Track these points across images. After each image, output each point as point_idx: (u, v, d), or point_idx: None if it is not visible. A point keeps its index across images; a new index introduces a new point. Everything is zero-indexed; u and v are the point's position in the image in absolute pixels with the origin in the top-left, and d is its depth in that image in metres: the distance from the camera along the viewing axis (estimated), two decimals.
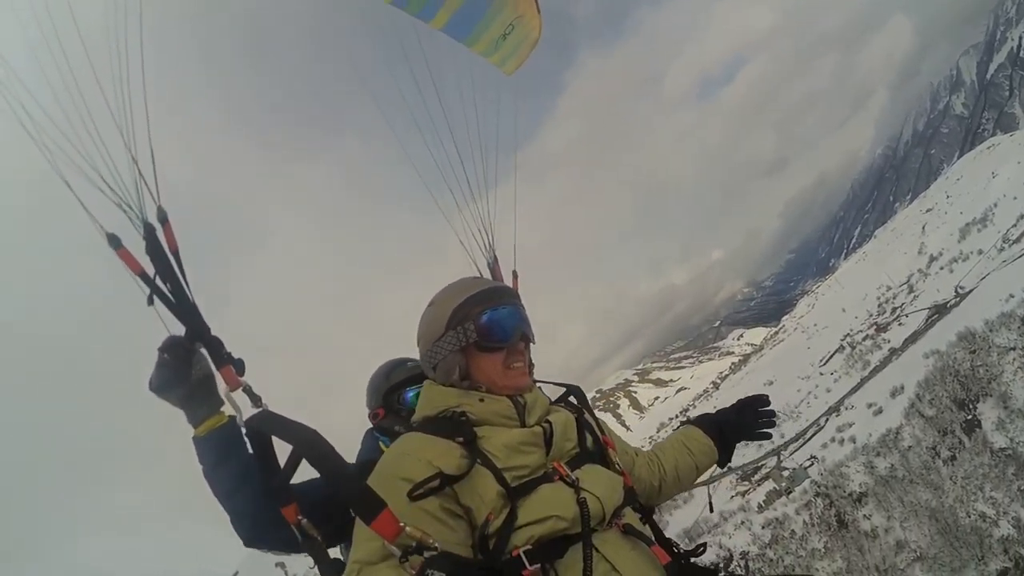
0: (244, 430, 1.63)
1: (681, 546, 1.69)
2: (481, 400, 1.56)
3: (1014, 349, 12.35)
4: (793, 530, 12.69)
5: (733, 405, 2.23)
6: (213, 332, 1.85)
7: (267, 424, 1.56)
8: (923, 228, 64.89)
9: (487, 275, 2.71)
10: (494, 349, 1.60)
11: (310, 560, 1.73)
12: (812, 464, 18.43)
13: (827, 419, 24.56)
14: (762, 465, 24.40)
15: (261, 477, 1.61)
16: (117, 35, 1.85)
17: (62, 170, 1.77)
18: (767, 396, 2.22)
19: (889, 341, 32.93)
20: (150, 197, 1.88)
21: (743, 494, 21.64)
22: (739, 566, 12.62)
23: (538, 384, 1.77)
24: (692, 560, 1.65)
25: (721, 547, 14.30)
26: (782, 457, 23.29)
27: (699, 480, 2.20)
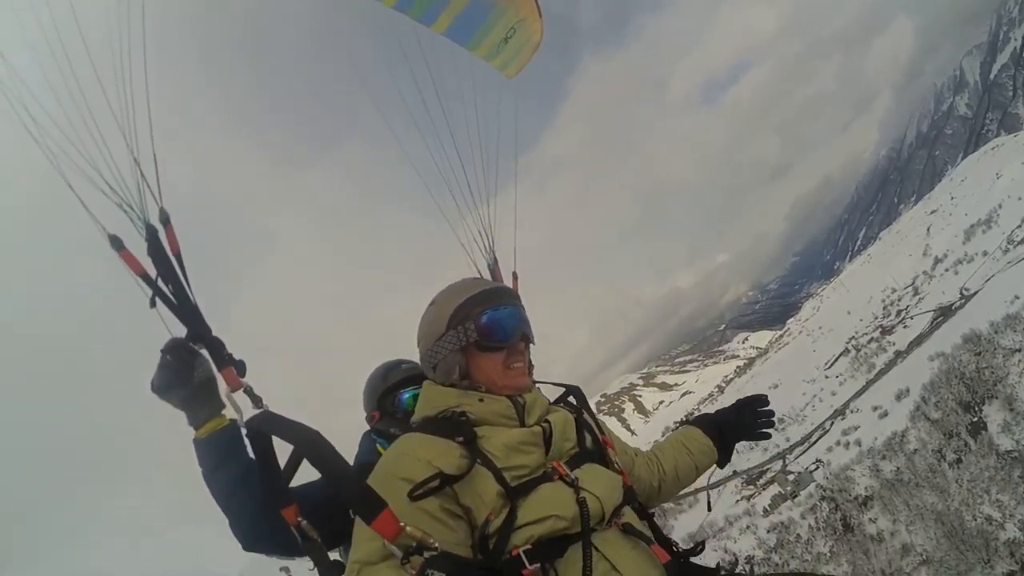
0: (245, 431, 1.64)
1: (680, 545, 1.69)
2: (481, 400, 1.56)
3: (1019, 351, 12.28)
4: (799, 534, 12.64)
5: (732, 405, 2.23)
6: (215, 334, 1.86)
7: (268, 425, 1.57)
8: (928, 230, 64.64)
9: (487, 276, 2.72)
10: (494, 349, 1.61)
11: (310, 563, 1.74)
12: (817, 468, 18.35)
13: (832, 423, 24.45)
14: (767, 469, 24.33)
15: (261, 478, 1.62)
16: (120, 37, 1.87)
17: (65, 172, 1.79)
18: (766, 396, 2.22)
19: (894, 344, 32.77)
20: (152, 199, 1.90)
21: (748, 498, 21.56)
22: (744, 569, 12.56)
23: (537, 384, 1.78)
24: (691, 559, 1.66)
25: (726, 551, 14.24)
26: (787, 461, 23.22)
27: (700, 480, 2.21)
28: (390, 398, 2.40)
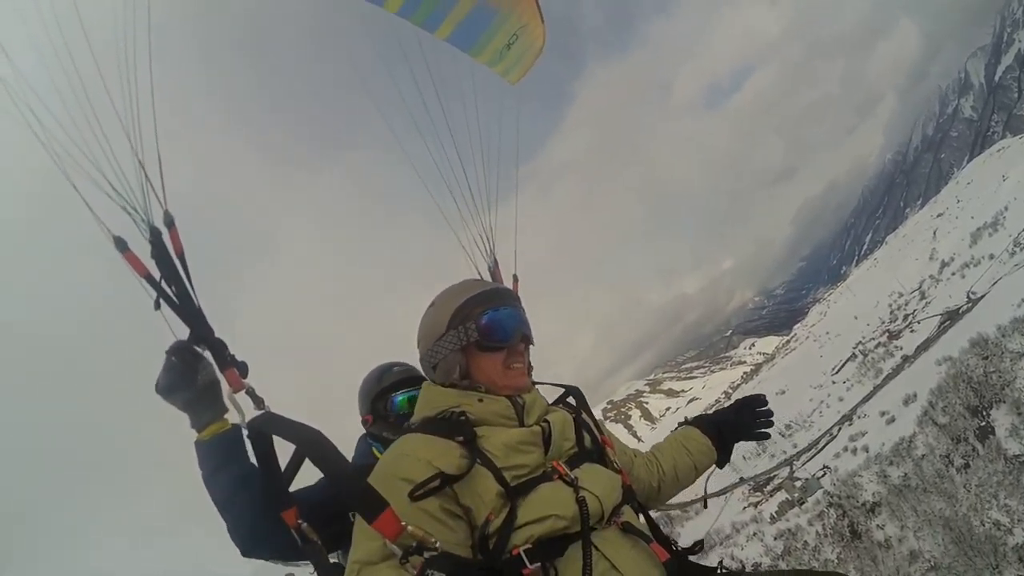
0: (246, 432, 1.66)
1: (679, 544, 1.70)
2: (480, 400, 1.57)
3: None
4: (806, 541, 12.52)
5: (731, 405, 2.24)
6: (218, 336, 1.88)
7: (270, 425, 1.59)
8: (934, 233, 64.32)
9: (488, 279, 2.74)
10: (494, 349, 1.62)
11: (310, 567, 1.74)
12: (825, 474, 18.20)
13: (840, 428, 24.26)
14: (774, 475, 24.16)
15: (262, 480, 1.63)
16: (124, 39, 1.89)
17: (70, 173, 1.82)
18: (764, 396, 2.23)
19: (901, 348, 32.55)
20: (157, 201, 1.91)
21: (755, 505, 21.40)
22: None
23: (536, 385, 1.79)
24: (690, 558, 1.66)
25: (733, 558, 14.13)
26: (794, 467, 23.05)
27: (699, 481, 2.20)
28: (382, 401, 2.41)
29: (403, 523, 1.28)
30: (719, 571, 1.64)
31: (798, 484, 18.74)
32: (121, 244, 1.86)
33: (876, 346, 39.37)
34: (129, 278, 1.84)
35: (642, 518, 1.73)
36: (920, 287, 49.39)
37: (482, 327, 1.61)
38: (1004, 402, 10.98)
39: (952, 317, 27.82)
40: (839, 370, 42.31)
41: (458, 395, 1.59)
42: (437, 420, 1.55)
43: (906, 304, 48.95)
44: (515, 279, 2.81)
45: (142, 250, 1.88)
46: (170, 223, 1.95)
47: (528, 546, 1.34)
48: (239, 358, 1.89)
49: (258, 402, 1.84)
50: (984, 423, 10.93)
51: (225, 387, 1.84)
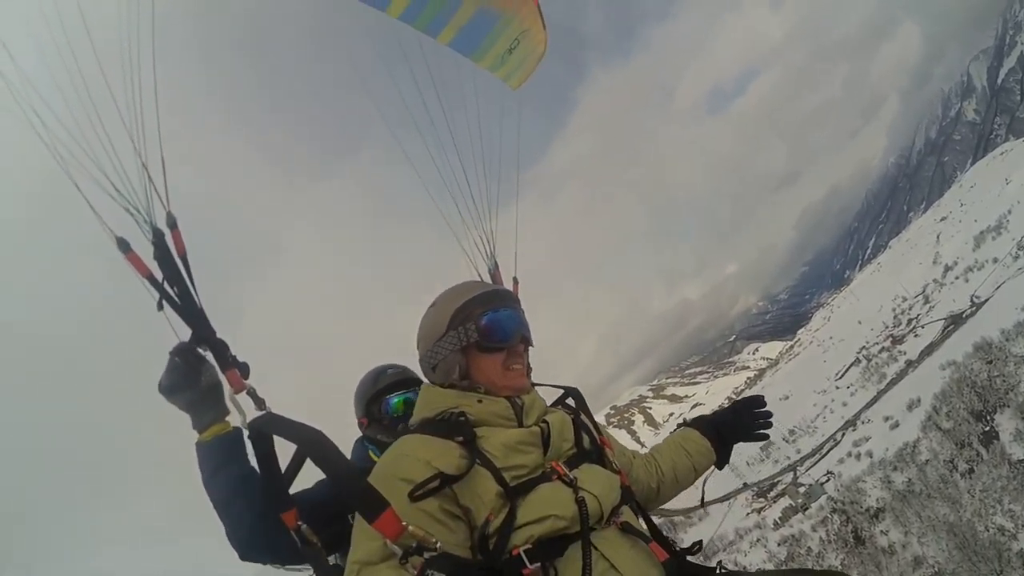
0: (247, 432, 1.65)
1: (678, 544, 1.69)
2: (479, 401, 1.56)
3: None
4: (809, 547, 12.49)
5: (730, 406, 2.23)
6: (223, 338, 1.88)
7: (272, 425, 1.60)
8: (937, 237, 64.20)
9: (488, 281, 2.74)
10: (494, 350, 1.61)
11: (308, 570, 1.74)
12: (829, 480, 18.15)
13: (843, 433, 24.20)
14: (778, 481, 24.07)
15: (262, 480, 1.64)
16: (128, 40, 1.90)
17: (73, 174, 1.82)
18: (763, 396, 2.22)
19: (905, 353, 32.48)
20: (160, 202, 1.91)
21: (759, 511, 21.31)
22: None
23: (536, 387, 1.80)
24: (688, 558, 1.65)
25: (736, 564, 14.07)
26: (798, 473, 22.96)
27: (697, 482, 2.19)
28: (377, 404, 2.40)
29: (404, 523, 1.27)
30: (718, 571, 1.64)
31: (802, 490, 18.69)
32: (124, 245, 1.86)
33: (880, 351, 39.27)
34: (130, 279, 1.84)
35: (641, 519, 1.74)
36: (924, 291, 49.28)
37: (482, 328, 1.60)
38: (1008, 406, 10.95)
39: (956, 321, 27.75)
40: (843, 375, 42.23)
41: (457, 396, 1.58)
42: (436, 421, 1.54)
43: (910, 308, 48.84)
44: (515, 281, 2.81)
45: (145, 251, 1.87)
46: (172, 224, 1.94)
47: (528, 546, 1.33)
48: (241, 359, 1.89)
49: (259, 403, 1.83)
50: (988, 428, 10.89)
51: (227, 388, 1.84)
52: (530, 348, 1.75)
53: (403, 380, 2.45)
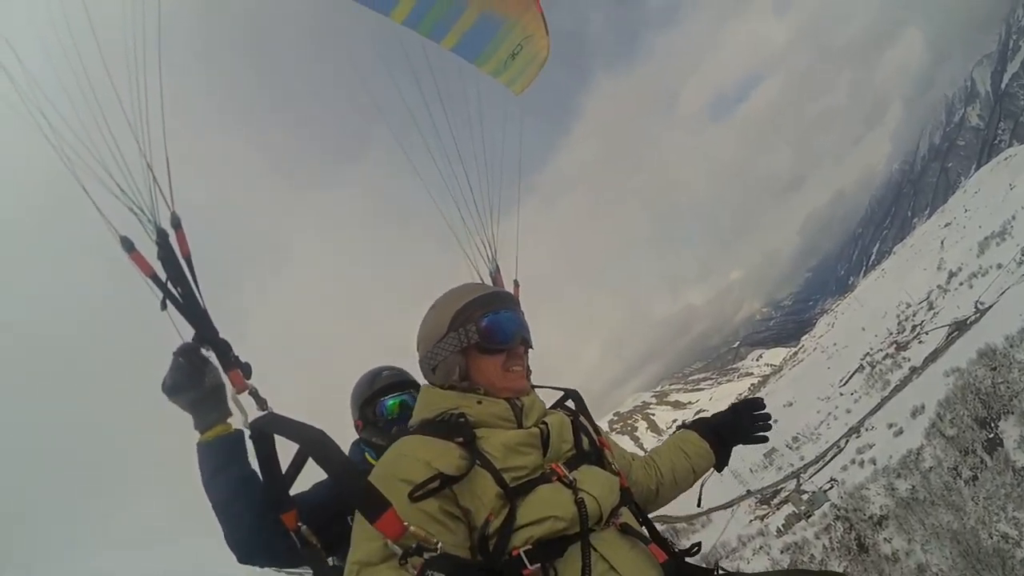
0: (249, 432, 1.66)
1: (677, 545, 1.69)
2: (479, 402, 1.56)
3: None
4: (812, 555, 12.39)
5: (728, 408, 2.22)
6: (229, 342, 1.89)
7: (273, 425, 1.60)
8: (942, 243, 64.02)
9: (489, 283, 2.76)
10: (495, 351, 1.62)
11: (306, 573, 1.74)
12: (832, 487, 18.06)
13: (847, 440, 24.08)
14: (781, 488, 23.96)
15: (264, 480, 1.65)
16: (134, 41, 1.90)
17: (78, 173, 1.82)
18: (762, 399, 2.21)
19: (909, 360, 32.35)
20: (164, 203, 1.91)
21: (762, 518, 21.21)
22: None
23: (536, 389, 1.80)
24: (687, 559, 1.65)
25: (739, 572, 13.99)
26: (802, 480, 22.87)
27: (696, 485, 2.19)
28: (371, 406, 2.39)
29: (405, 523, 1.27)
30: (717, 572, 1.63)
31: (805, 497, 18.59)
32: (128, 244, 1.86)
33: (884, 357, 39.13)
34: (131, 280, 1.84)
35: (640, 521, 1.73)
36: (928, 297, 49.10)
37: (483, 329, 1.60)
38: (1012, 413, 10.89)
39: (960, 328, 27.65)
40: (846, 382, 42.07)
41: (457, 397, 1.58)
42: (436, 422, 1.54)
43: (914, 315, 48.64)
44: (516, 284, 2.82)
45: (149, 251, 1.87)
46: (177, 224, 1.94)
47: (528, 547, 1.33)
48: (244, 360, 1.89)
49: (262, 403, 1.82)
50: (992, 435, 10.83)
51: (229, 387, 1.84)
52: (530, 350, 1.75)
53: (399, 382, 2.44)
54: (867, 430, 22.68)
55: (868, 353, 45.88)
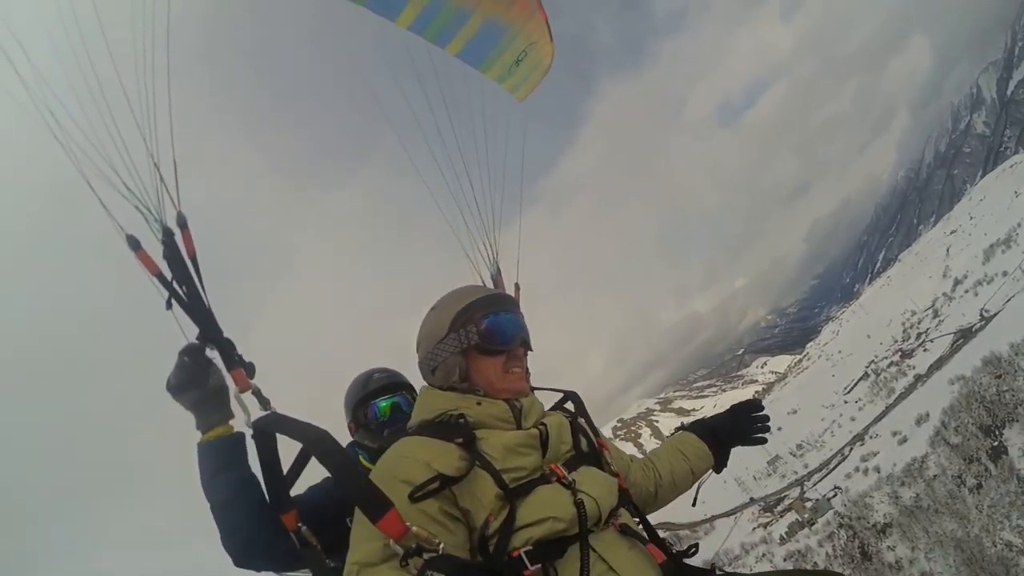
0: (251, 431, 1.68)
1: (675, 546, 1.70)
2: (478, 403, 1.57)
3: None
4: (816, 562, 12.35)
5: (727, 410, 2.24)
6: (232, 341, 1.91)
7: (276, 425, 1.62)
8: (947, 251, 63.77)
9: (490, 286, 2.78)
10: (495, 352, 1.63)
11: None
12: (836, 495, 17.97)
13: (851, 448, 23.95)
14: (785, 496, 23.85)
15: (265, 480, 1.66)
16: (143, 44, 1.92)
17: (85, 172, 1.83)
18: (760, 400, 2.23)
19: (914, 367, 32.20)
20: (171, 203, 1.92)
21: (765, 525, 21.10)
22: None
23: (536, 390, 1.82)
24: (685, 560, 1.66)
25: (737, 573, 13.93)
26: (805, 487, 22.75)
27: (692, 491, 2.19)
28: (363, 408, 2.39)
29: (407, 524, 1.27)
30: (715, 572, 1.64)
31: (808, 505, 18.50)
32: (134, 243, 1.87)
33: (889, 365, 38.96)
34: (136, 281, 1.86)
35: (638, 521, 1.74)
36: (933, 305, 48.87)
37: (483, 331, 1.61)
38: (1017, 421, 10.84)
39: (965, 335, 27.50)
40: (851, 389, 41.88)
41: (457, 398, 1.59)
42: (436, 423, 1.55)
43: (919, 323, 48.43)
44: (517, 287, 2.85)
45: (155, 251, 1.88)
46: (183, 224, 1.95)
47: (528, 548, 1.34)
48: (247, 360, 1.89)
49: (264, 403, 1.83)
50: (997, 443, 10.77)
51: (232, 387, 1.84)
52: (529, 353, 1.77)
53: (391, 384, 2.44)
54: (871, 438, 22.56)
55: (873, 361, 45.70)
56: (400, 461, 1.42)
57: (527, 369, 1.75)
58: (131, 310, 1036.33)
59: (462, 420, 1.53)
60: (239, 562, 1.80)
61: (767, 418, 2.20)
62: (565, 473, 1.52)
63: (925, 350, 34.51)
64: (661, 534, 1.79)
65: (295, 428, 1.55)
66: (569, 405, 1.92)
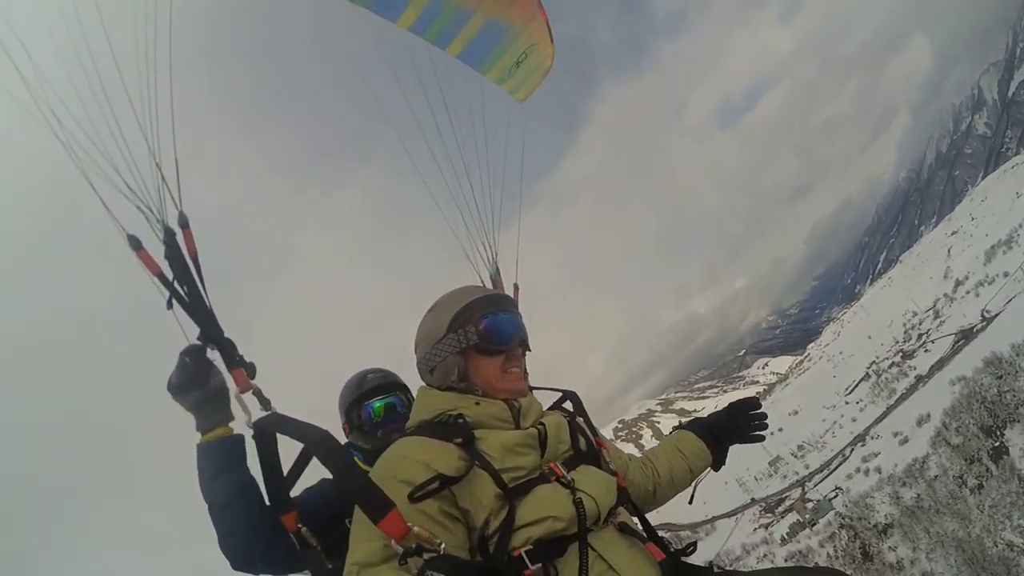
0: (252, 431, 1.68)
1: (674, 544, 1.70)
2: (477, 403, 1.57)
3: None
4: (817, 563, 12.31)
5: (724, 408, 2.23)
6: (234, 341, 1.91)
7: (277, 425, 1.63)
8: (948, 251, 63.71)
9: (489, 286, 2.79)
10: (494, 352, 1.63)
11: None
12: (837, 495, 17.94)
13: (852, 449, 23.92)
14: (786, 497, 23.83)
15: (265, 480, 1.66)
16: (145, 44, 1.92)
17: (87, 171, 1.83)
18: (758, 399, 2.23)
19: (915, 368, 32.16)
20: (172, 203, 1.92)
21: (766, 526, 21.08)
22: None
23: (534, 390, 1.82)
24: (684, 558, 1.67)
25: (735, 571, 13.92)
26: (806, 488, 22.73)
27: (692, 487, 2.20)
28: (357, 409, 2.38)
29: (409, 524, 1.27)
30: (714, 571, 1.64)
31: (810, 505, 18.48)
32: (135, 242, 1.86)
33: (890, 366, 38.92)
34: (137, 282, 1.86)
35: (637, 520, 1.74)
36: (934, 306, 48.83)
37: (482, 331, 1.61)
38: (1019, 421, 10.84)
39: (966, 336, 27.48)
40: (852, 390, 41.84)
41: (456, 398, 1.59)
42: (435, 423, 1.54)
43: (920, 323, 48.40)
44: (516, 288, 2.86)
45: (156, 251, 1.88)
46: (185, 224, 1.94)
47: (528, 547, 1.34)
48: (248, 360, 1.89)
49: (265, 403, 1.83)
50: (998, 443, 10.77)
51: (233, 387, 1.84)
52: (528, 353, 1.77)
53: (385, 384, 2.42)
54: (872, 439, 22.53)
55: (874, 362, 45.68)
56: (399, 461, 1.42)
57: (525, 369, 1.75)
58: (132, 310, 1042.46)
59: (461, 420, 1.53)
60: (237, 565, 1.79)
61: (765, 416, 2.18)
62: (564, 472, 1.52)
63: (926, 351, 34.48)
64: (662, 535, 1.79)
65: (296, 428, 1.55)
66: (568, 405, 1.92)
